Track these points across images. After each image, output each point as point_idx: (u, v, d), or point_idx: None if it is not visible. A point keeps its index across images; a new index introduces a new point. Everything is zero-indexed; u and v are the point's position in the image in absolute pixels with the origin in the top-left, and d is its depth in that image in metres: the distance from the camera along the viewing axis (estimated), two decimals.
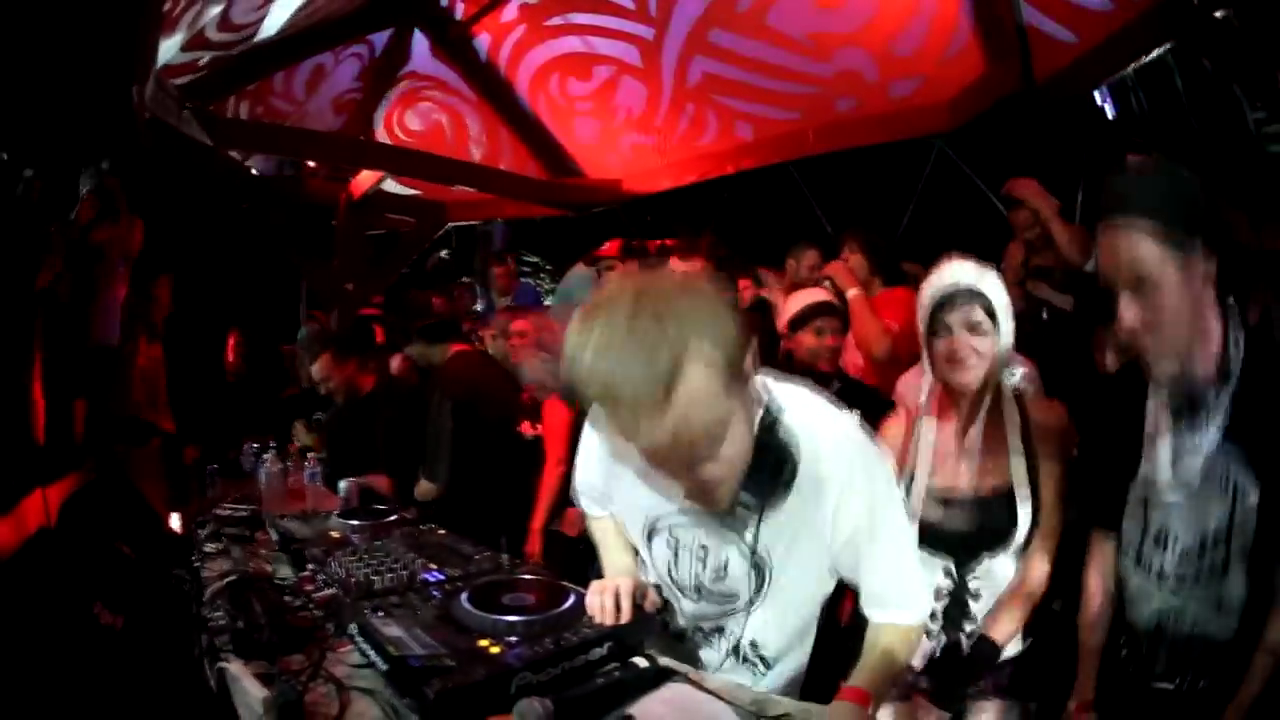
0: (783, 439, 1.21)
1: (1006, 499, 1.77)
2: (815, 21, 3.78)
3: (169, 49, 3.15)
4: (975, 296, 1.76)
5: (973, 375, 1.76)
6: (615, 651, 1.31)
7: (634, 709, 1.17)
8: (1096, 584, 1.61)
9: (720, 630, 1.46)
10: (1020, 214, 3.56)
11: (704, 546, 1.38)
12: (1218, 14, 2.41)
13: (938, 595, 1.83)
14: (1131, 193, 1.33)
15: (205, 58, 3.85)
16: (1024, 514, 1.75)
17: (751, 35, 4.02)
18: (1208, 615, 1.38)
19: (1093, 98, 4.91)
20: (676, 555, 1.43)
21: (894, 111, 3.93)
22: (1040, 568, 1.77)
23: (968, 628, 1.81)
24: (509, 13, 4.67)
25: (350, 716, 1.20)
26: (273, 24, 3.89)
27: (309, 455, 3.67)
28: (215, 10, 3.21)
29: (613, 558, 1.64)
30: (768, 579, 1.35)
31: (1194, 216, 1.29)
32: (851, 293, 3.06)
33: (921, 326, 1.83)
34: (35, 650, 1.06)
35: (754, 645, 1.43)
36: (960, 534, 1.80)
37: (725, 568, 1.37)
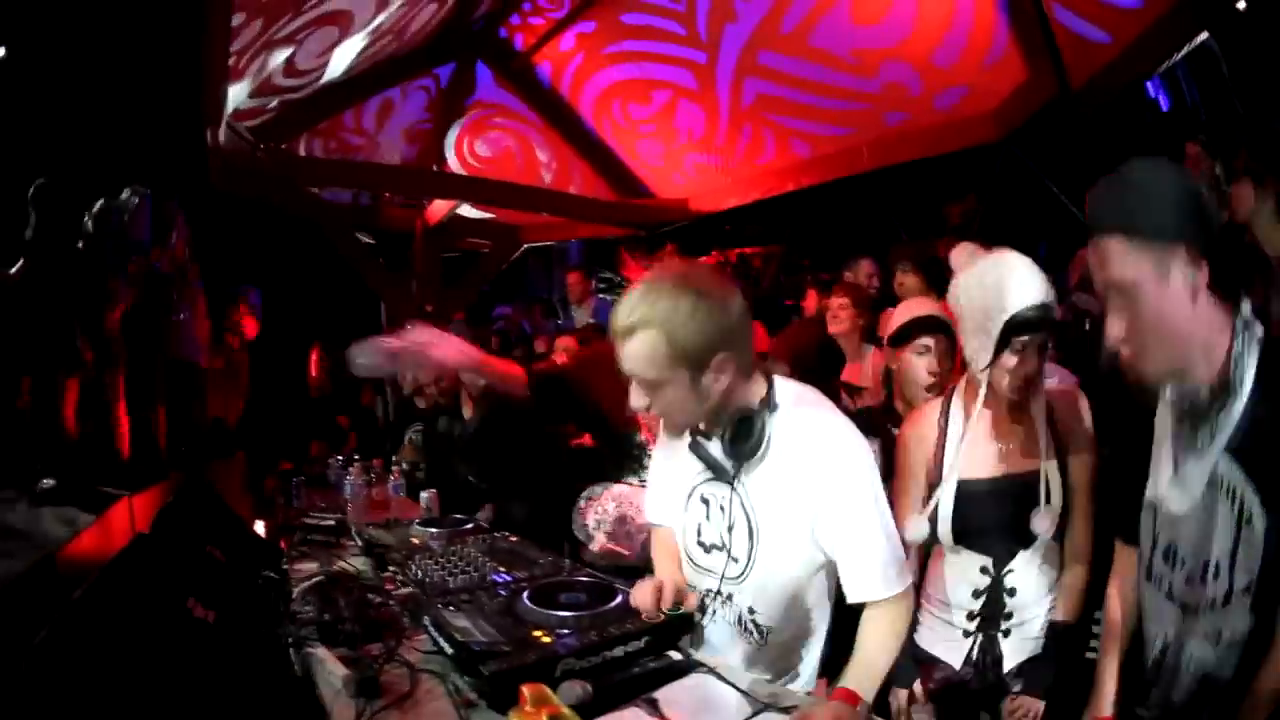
0: (763, 420, 1.52)
1: (1032, 489, 1.76)
2: (856, 38, 3.91)
3: (238, 95, 3.43)
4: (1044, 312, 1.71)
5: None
6: (652, 645, 1.47)
7: (659, 693, 1.32)
8: (1116, 599, 1.55)
9: (730, 599, 1.64)
10: None
11: (724, 498, 1.61)
12: (1240, 4, 2.41)
13: (975, 594, 1.85)
14: (1103, 203, 1.28)
15: (274, 101, 4.18)
16: (1050, 505, 1.75)
17: (798, 55, 4.17)
18: (1207, 647, 1.31)
19: (1145, 90, 4.86)
20: (707, 510, 1.66)
21: (941, 124, 4.00)
22: (1079, 559, 1.79)
23: (1004, 625, 1.84)
24: (567, 42, 4.92)
25: (419, 693, 1.37)
26: (337, 66, 4.18)
27: (394, 468, 3.87)
28: (280, 59, 3.47)
29: (663, 565, 1.82)
30: (756, 535, 1.56)
31: (1171, 222, 1.22)
32: None
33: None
34: (136, 638, 1.24)
35: (751, 611, 1.61)
36: (991, 528, 1.81)
37: (733, 522, 1.60)
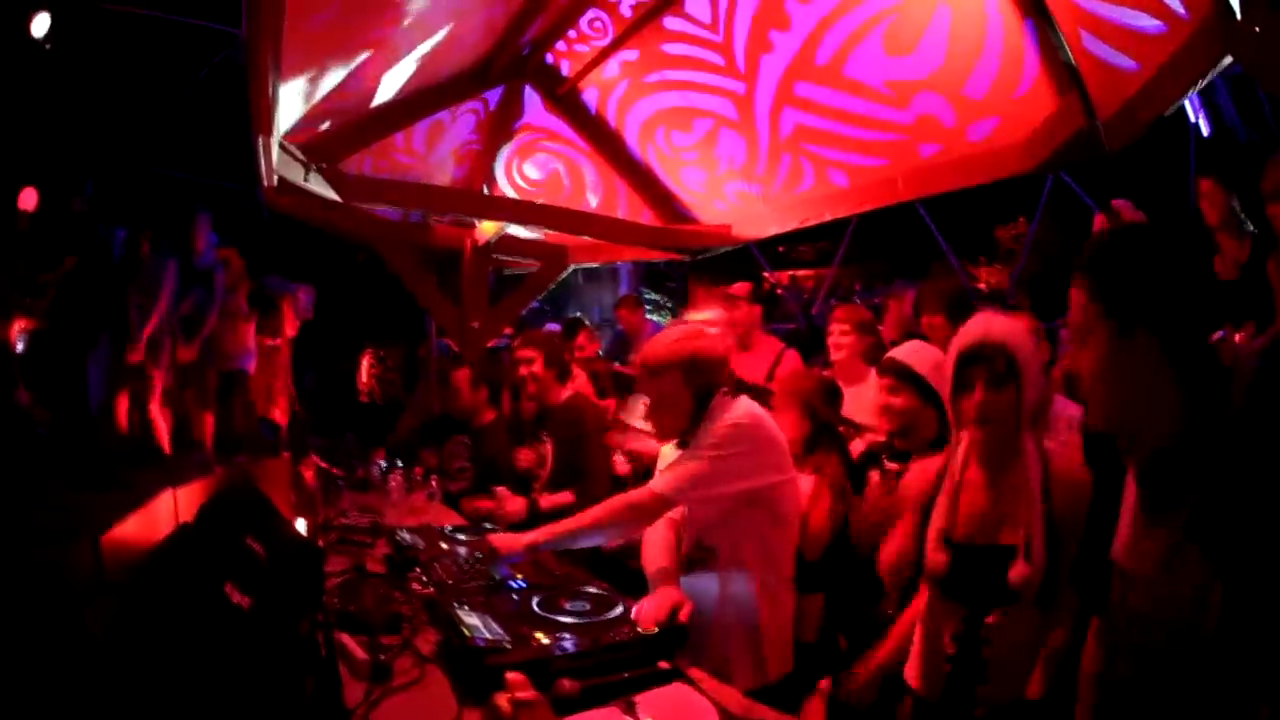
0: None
1: (1015, 552, 1.76)
2: (889, 69, 3.98)
3: (291, 112, 3.61)
4: (997, 349, 1.80)
5: (992, 429, 1.82)
6: (644, 654, 1.60)
7: (639, 696, 1.43)
8: (1091, 654, 1.56)
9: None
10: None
11: None
12: (1256, 29, 2.41)
13: (954, 638, 1.85)
14: (1087, 252, 1.37)
15: (326, 124, 4.40)
16: (1032, 569, 1.74)
17: (833, 86, 4.26)
18: (1170, 697, 1.30)
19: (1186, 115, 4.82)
20: None
21: (975, 155, 4.02)
22: (1062, 627, 1.74)
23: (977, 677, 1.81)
24: (611, 69, 5.07)
25: (427, 681, 1.54)
26: (386, 91, 4.39)
27: (431, 476, 4.03)
28: (333, 81, 3.66)
29: (659, 564, 2.06)
30: None
31: (1130, 291, 1.29)
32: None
33: (948, 383, 1.90)
34: (173, 618, 1.38)
35: (699, 545, 2.11)
36: (973, 584, 1.81)
37: None
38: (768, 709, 1.49)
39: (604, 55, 4.93)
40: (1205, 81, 2.95)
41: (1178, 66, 2.91)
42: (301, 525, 2.80)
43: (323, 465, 4.60)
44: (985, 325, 1.86)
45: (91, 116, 7.87)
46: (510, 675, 1.11)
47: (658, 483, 2.05)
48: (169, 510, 2.83)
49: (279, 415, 6.73)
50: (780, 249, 13.66)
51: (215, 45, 8.04)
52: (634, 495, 2.09)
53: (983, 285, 12.18)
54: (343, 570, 2.28)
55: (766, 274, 12.71)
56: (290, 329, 6.72)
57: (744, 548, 2.06)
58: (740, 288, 4.32)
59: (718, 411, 2.09)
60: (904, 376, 2.47)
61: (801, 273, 14.82)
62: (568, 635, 1.61)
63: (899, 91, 4.04)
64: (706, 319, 3.32)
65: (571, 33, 4.93)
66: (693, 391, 2.11)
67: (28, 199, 5.15)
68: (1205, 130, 5.26)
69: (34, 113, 7.13)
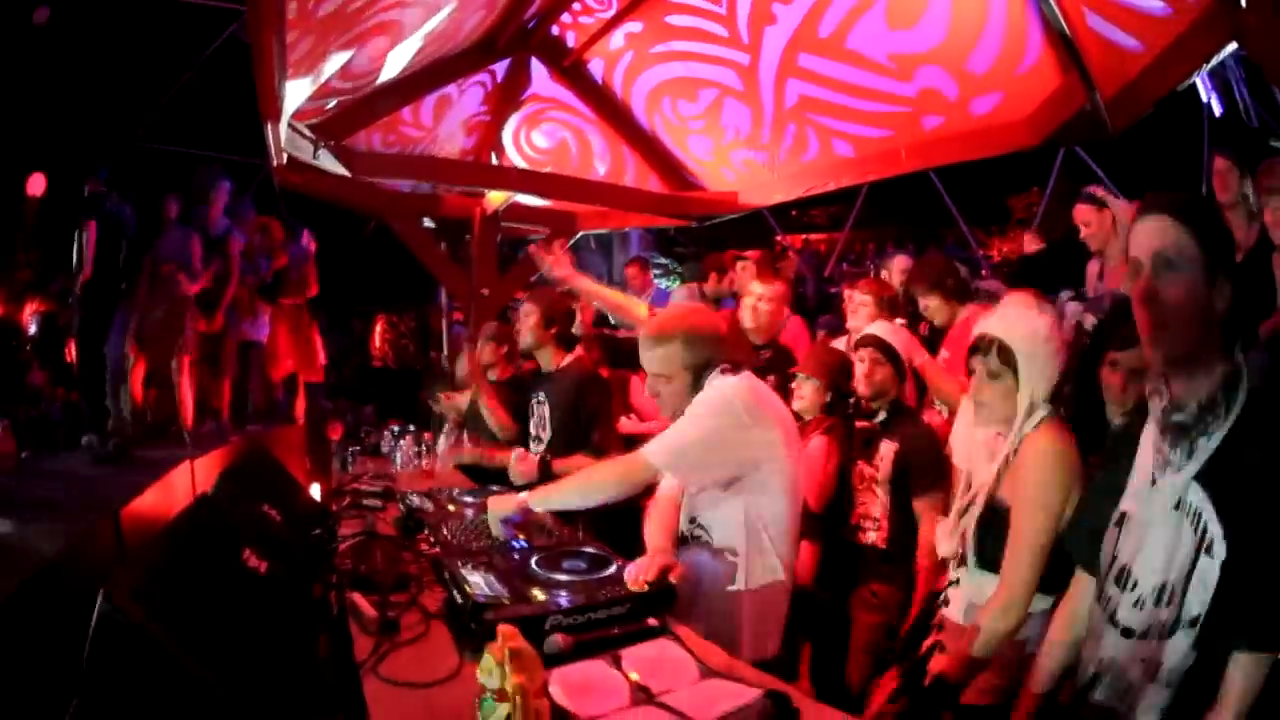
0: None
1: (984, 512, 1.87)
2: (892, 42, 4.00)
3: (298, 95, 3.67)
4: (992, 343, 1.87)
5: (981, 419, 1.94)
6: (634, 612, 1.70)
7: (625, 650, 1.55)
8: (1061, 622, 1.60)
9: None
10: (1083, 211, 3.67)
11: None
12: (1260, 19, 2.44)
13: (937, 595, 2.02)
14: (1182, 199, 1.35)
15: (333, 102, 4.46)
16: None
17: (836, 58, 4.28)
18: (1143, 680, 1.31)
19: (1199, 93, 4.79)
20: None
21: (978, 129, 4.04)
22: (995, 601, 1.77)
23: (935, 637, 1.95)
24: (616, 40, 5.10)
25: (432, 636, 1.66)
26: (393, 68, 4.44)
27: (441, 439, 4.17)
28: (338, 63, 3.71)
29: (656, 538, 2.13)
30: None
31: (1222, 246, 1.33)
32: (918, 361, 3.11)
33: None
34: (195, 582, 1.48)
35: (692, 520, 2.21)
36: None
37: None
38: (748, 667, 1.59)
39: (608, 27, 4.94)
40: (1210, 65, 2.96)
41: (1182, 48, 2.91)
42: (316, 491, 2.94)
43: (344, 429, 4.77)
44: (985, 320, 1.96)
45: (99, 98, 7.97)
46: (502, 627, 1.22)
47: (648, 447, 2.10)
48: (187, 481, 2.97)
49: (312, 375, 6.88)
50: (793, 213, 13.77)
51: (221, 21, 8.10)
52: (623, 459, 2.19)
53: (995, 253, 12.20)
54: (355, 533, 2.41)
55: (779, 237, 12.78)
56: (313, 289, 6.87)
57: (735, 531, 2.08)
58: (751, 254, 4.45)
59: (711, 384, 2.15)
60: (885, 351, 2.81)
61: (814, 236, 14.91)
62: (563, 592, 1.72)
63: (901, 64, 4.06)
64: (760, 294, 3.65)
65: (576, 5, 4.95)
66: (690, 366, 2.16)
67: (36, 184, 5.25)
68: (1217, 110, 5.22)
69: (41, 98, 7.25)
